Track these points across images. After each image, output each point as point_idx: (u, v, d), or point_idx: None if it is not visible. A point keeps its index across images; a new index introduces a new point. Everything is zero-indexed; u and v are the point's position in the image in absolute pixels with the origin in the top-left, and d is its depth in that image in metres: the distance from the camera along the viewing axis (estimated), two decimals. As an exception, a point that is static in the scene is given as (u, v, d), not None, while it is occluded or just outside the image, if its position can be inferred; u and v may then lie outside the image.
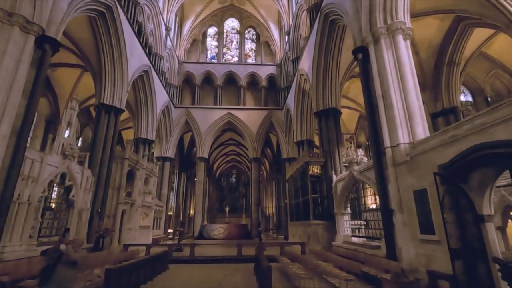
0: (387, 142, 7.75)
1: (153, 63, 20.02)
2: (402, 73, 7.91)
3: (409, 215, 6.84)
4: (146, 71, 18.19)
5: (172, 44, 25.24)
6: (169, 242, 18.91)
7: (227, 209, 30.10)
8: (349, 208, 12.33)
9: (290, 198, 18.53)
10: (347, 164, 13.81)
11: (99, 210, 12.64)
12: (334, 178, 13.01)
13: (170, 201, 30.45)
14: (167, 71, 24.31)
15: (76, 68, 17.67)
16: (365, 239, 10.42)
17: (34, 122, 18.41)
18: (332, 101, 14.51)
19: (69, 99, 19.06)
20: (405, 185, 7.06)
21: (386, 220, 7.83)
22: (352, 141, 17.13)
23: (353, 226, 11.82)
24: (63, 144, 10.63)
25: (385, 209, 7.90)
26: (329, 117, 14.35)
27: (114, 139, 13.86)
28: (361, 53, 9.28)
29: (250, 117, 25.63)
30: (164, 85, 22.96)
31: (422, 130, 7.37)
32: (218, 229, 20.10)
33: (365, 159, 11.29)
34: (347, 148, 16.00)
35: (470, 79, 16.67)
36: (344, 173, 12.44)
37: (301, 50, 19.43)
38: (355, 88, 20.50)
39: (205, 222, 22.94)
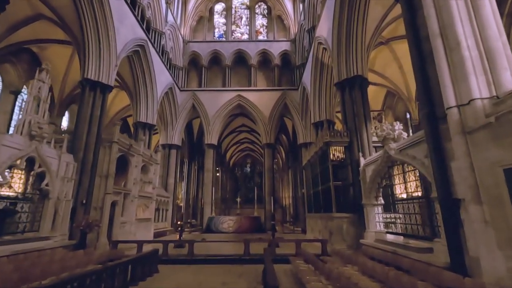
0: (450, 100, 5.21)
1: (152, 39, 18.01)
2: (474, -5, 5.27)
3: (495, 208, 4.37)
4: (142, 46, 16.19)
5: (176, 21, 23.11)
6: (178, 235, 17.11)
7: (238, 199, 28.06)
8: (381, 198, 9.85)
9: (308, 187, 16.18)
10: (378, 144, 11.28)
11: (84, 201, 10.93)
12: (362, 161, 10.53)
13: (182, 192, 29.04)
14: (171, 51, 22.28)
15: (67, 46, 15.92)
16: (407, 238, 7.96)
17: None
18: (358, 68, 11.85)
19: (63, 81, 17.57)
20: (486, 160, 4.56)
21: (447, 214, 5.37)
22: (381, 119, 14.46)
23: (389, 221, 9.38)
24: (30, 123, 8.84)
25: (445, 199, 5.43)
26: (354, 87, 11.74)
27: (101, 119, 12.04)
28: (405, -19, 6.66)
29: (262, 99, 23.24)
30: (168, 66, 21.00)
31: (510, 76, 4.77)
32: (228, 222, 18.16)
33: (405, 134, 8.75)
34: (375, 127, 13.42)
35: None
36: (375, 154, 9.93)
37: (318, 17, 16.69)
38: (382, 59, 17.63)
39: (213, 214, 21.06)
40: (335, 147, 11.71)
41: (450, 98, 5.21)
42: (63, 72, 17.43)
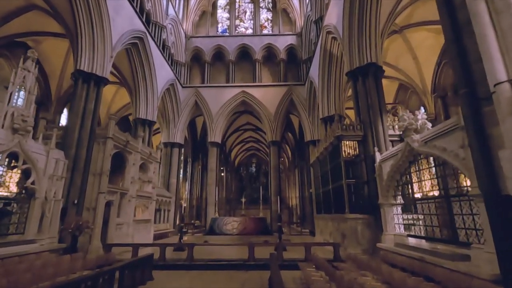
0: (499, 74, 4.22)
1: (152, 32, 17.25)
2: None
3: None
4: (140, 38, 15.42)
5: (177, 15, 22.35)
6: (185, 237, 16.26)
7: (243, 200, 27.12)
8: (400, 197, 8.84)
9: (316, 186, 15.18)
10: (395, 138, 10.31)
11: (76, 201, 10.15)
12: (378, 156, 9.53)
13: (185, 192, 28.28)
14: (173, 46, 21.52)
15: (63, 40, 15.19)
16: (434, 243, 6.95)
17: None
18: (372, 55, 10.86)
19: (60, 76, 16.93)
20: (554, 147, 3.56)
21: (495, 216, 4.37)
22: (396, 112, 13.41)
23: (411, 222, 8.36)
24: (12, 115, 8.09)
25: (492, 196, 4.44)
26: (367, 76, 10.73)
27: (95, 114, 11.27)
28: None
29: (267, 95, 22.30)
30: (170, 61, 20.25)
31: None
32: (232, 223, 17.25)
33: (429, 124, 7.76)
34: (391, 120, 12.40)
35: None
36: (394, 148, 8.92)
37: (326, 6, 15.71)
38: (395, 49, 16.52)
39: (217, 215, 20.19)
40: (347, 142, 10.72)
41: (499, 71, 4.23)
42: (60, 67, 16.77)
